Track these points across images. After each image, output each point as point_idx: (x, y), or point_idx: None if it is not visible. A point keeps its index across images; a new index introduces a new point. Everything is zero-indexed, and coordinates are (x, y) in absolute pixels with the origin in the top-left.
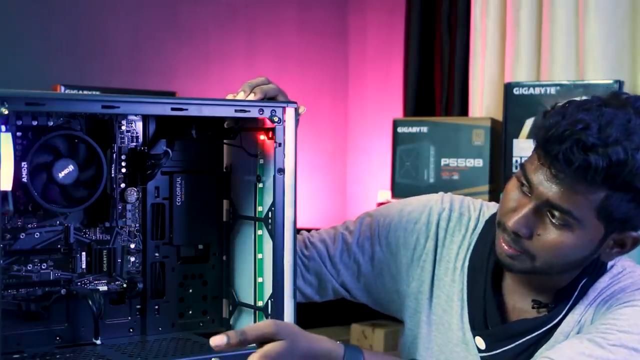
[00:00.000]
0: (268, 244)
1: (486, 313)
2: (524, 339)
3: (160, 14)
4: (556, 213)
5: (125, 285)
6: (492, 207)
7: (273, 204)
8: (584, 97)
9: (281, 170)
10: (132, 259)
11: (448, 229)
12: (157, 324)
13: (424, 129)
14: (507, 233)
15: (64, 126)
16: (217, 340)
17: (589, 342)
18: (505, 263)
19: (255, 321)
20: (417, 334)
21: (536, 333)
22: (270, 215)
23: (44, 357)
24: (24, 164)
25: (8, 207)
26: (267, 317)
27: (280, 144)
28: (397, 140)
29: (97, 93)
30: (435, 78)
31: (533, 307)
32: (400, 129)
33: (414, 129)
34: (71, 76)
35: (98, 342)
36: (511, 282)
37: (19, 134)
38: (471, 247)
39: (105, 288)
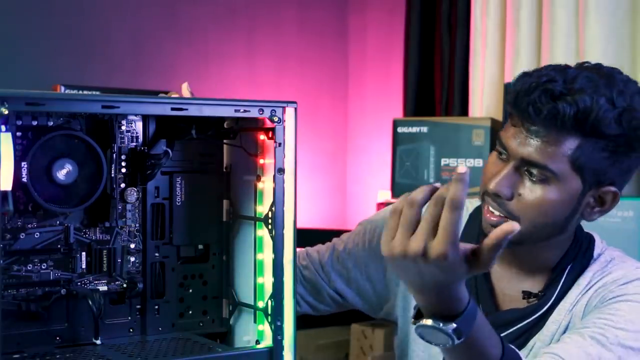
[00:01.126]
0: (268, 244)
1: (479, 302)
2: (514, 328)
3: (160, 14)
4: (533, 170)
5: (125, 285)
6: (475, 202)
7: (273, 204)
8: None
9: (281, 170)
10: (132, 259)
11: None
12: (157, 324)
13: (424, 129)
14: (491, 197)
15: (64, 126)
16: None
17: (590, 338)
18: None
19: (255, 321)
20: (408, 331)
21: (526, 321)
22: (270, 215)
23: (44, 357)
24: (24, 164)
25: (8, 207)
26: (267, 318)
27: (280, 144)
28: (397, 140)
29: (97, 93)
30: (435, 78)
31: (523, 298)
32: (400, 129)
33: (414, 129)
34: (71, 76)
35: (98, 342)
36: (499, 269)
37: (19, 134)
38: None
39: (105, 288)
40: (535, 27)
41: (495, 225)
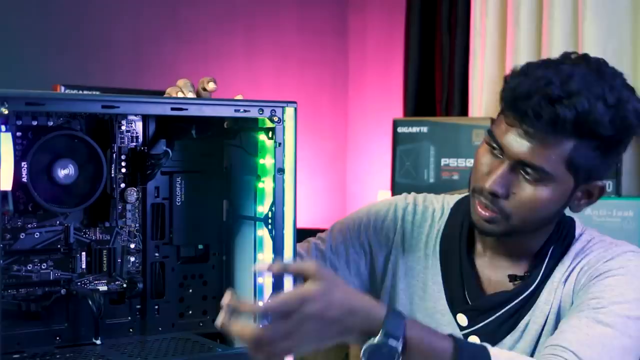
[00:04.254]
0: (268, 244)
1: (465, 290)
2: (503, 310)
3: (160, 14)
4: (529, 170)
5: (125, 285)
6: (454, 197)
7: (273, 204)
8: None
9: (281, 170)
10: (132, 259)
11: (414, 221)
12: (157, 324)
13: (424, 129)
14: (484, 196)
15: (64, 126)
16: (261, 266)
17: (587, 319)
18: (482, 228)
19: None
20: None
21: (514, 302)
22: (270, 215)
23: (44, 357)
24: (24, 164)
25: (8, 207)
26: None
27: (280, 144)
28: (397, 140)
29: (97, 93)
30: (435, 78)
31: (510, 282)
32: (400, 129)
33: (414, 129)
34: (71, 76)
35: (98, 342)
36: (485, 257)
37: (19, 134)
38: (440, 233)
39: (105, 288)
40: (535, 27)
41: (488, 221)
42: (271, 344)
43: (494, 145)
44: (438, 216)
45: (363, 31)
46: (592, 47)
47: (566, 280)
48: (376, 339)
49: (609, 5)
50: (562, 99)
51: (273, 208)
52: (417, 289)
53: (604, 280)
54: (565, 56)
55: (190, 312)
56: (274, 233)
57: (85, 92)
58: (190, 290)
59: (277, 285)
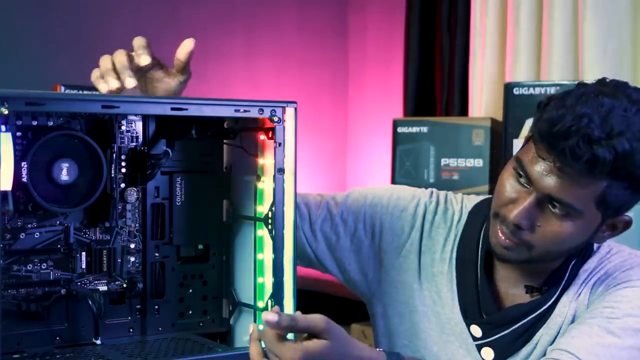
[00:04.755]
0: (268, 244)
1: (480, 302)
2: (520, 323)
3: (160, 13)
4: (557, 205)
5: (125, 285)
6: (472, 199)
7: (273, 204)
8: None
9: (281, 170)
10: (132, 259)
11: (434, 221)
12: (157, 324)
13: (424, 129)
14: (507, 225)
15: (64, 126)
16: (270, 317)
17: (598, 328)
18: (500, 254)
19: (255, 321)
20: (407, 325)
21: (531, 316)
22: (270, 215)
23: (44, 357)
24: (24, 164)
25: (8, 207)
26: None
27: (280, 144)
28: (397, 140)
29: (97, 93)
30: (435, 78)
31: (526, 293)
32: (400, 129)
33: (414, 129)
34: (71, 76)
35: (98, 342)
36: (502, 270)
37: (19, 134)
38: (457, 239)
39: (105, 288)
40: (535, 27)
41: (507, 248)
42: None
43: (522, 173)
44: (456, 219)
45: (363, 31)
46: (592, 47)
47: (582, 292)
48: None
49: (609, 5)
50: (602, 140)
51: (273, 208)
52: (432, 292)
53: (621, 291)
54: (604, 83)
55: (190, 312)
56: (274, 233)
57: (85, 92)
58: (190, 290)
59: (277, 285)
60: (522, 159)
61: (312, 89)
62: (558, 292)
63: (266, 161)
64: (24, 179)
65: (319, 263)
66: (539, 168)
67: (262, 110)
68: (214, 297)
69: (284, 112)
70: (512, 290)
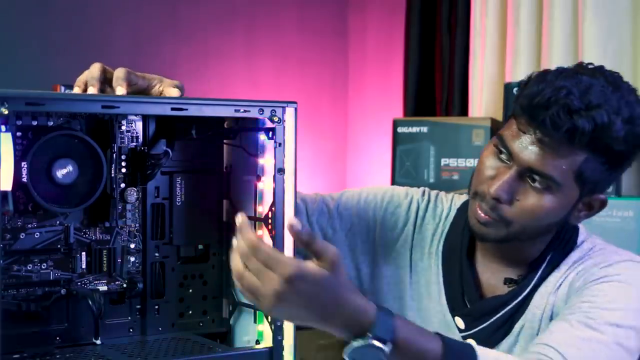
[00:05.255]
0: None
1: (464, 292)
2: (497, 315)
3: (160, 14)
4: (537, 178)
5: (125, 285)
6: (462, 198)
7: (273, 204)
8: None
9: (281, 170)
10: (132, 258)
11: (424, 217)
12: (157, 324)
13: (424, 129)
14: (486, 201)
15: (64, 126)
16: (295, 222)
17: (578, 323)
18: (478, 232)
19: (255, 321)
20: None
21: (509, 307)
22: (270, 215)
23: (44, 357)
24: (24, 164)
25: (8, 207)
26: (267, 318)
27: (280, 144)
28: (397, 140)
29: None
30: (435, 78)
31: (505, 284)
32: (400, 129)
33: (414, 129)
34: (71, 76)
35: (98, 342)
36: (483, 259)
37: (19, 134)
38: (444, 234)
39: (105, 288)
40: (535, 27)
41: (484, 224)
42: (250, 288)
43: (503, 149)
44: (445, 216)
45: (363, 31)
46: (592, 47)
47: (560, 285)
48: (363, 342)
49: (609, 5)
50: (581, 111)
51: (273, 208)
52: (420, 286)
53: (598, 285)
54: (582, 66)
55: (190, 312)
56: (274, 233)
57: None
58: (190, 290)
59: None
60: (503, 134)
61: (312, 89)
62: (534, 282)
63: (266, 161)
64: (24, 179)
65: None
66: (520, 142)
67: (262, 110)
68: (214, 297)
69: (284, 112)
70: (493, 281)
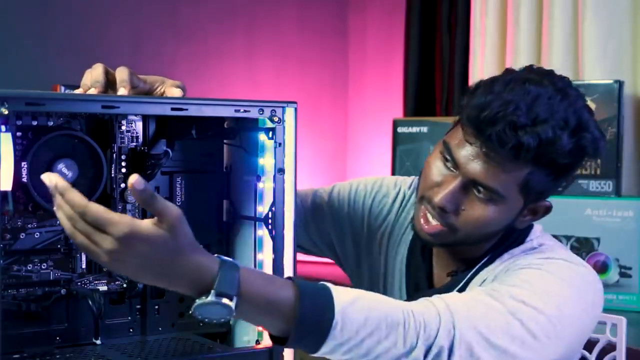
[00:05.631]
0: (268, 244)
1: (418, 281)
2: None
3: (160, 14)
4: (482, 189)
5: (125, 285)
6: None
7: (273, 204)
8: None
9: (281, 170)
10: None
11: (407, 206)
12: (157, 324)
13: (424, 129)
14: (432, 207)
15: (64, 126)
16: (139, 180)
17: (480, 291)
18: (424, 239)
19: None
20: None
21: None
22: (270, 215)
23: (44, 357)
24: (24, 164)
25: (8, 207)
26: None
27: (280, 144)
28: (397, 140)
29: None
30: (435, 78)
31: (448, 276)
32: (400, 129)
33: (414, 129)
34: (71, 76)
35: (98, 342)
36: (437, 251)
37: (19, 134)
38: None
39: (105, 288)
40: (535, 27)
41: (433, 234)
42: (83, 247)
43: (448, 157)
44: None
45: (363, 31)
46: (592, 47)
47: (488, 277)
48: (207, 298)
49: (609, 5)
50: (527, 127)
51: (273, 208)
52: (389, 274)
53: (516, 271)
54: (531, 71)
55: (190, 312)
56: (274, 233)
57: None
58: None
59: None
60: (449, 142)
61: (312, 89)
62: (469, 275)
63: (266, 161)
64: (24, 179)
65: (312, 244)
66: (466, 152)
67: (262, 111)
68: None
69: (284, 112)
70: (442, 273)
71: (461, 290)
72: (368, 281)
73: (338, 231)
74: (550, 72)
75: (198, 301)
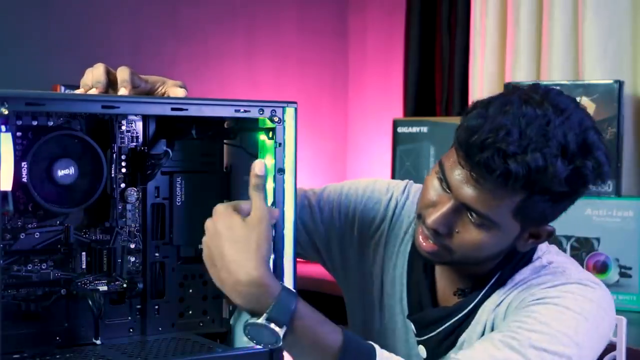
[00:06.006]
0: None
1: (421, 296)
2: (443, 326)
3: (160, 14)
4: (474, 214)
5: (125, 285)
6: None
7: (273, 204)
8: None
9: (281, 171)
10: (132, 259)
11: (401, 214)
12: (157, 324)
13: (424, 129)
14: (426, 227)
15: (64, 126)
16: (259, 166)
17: (500, 342)
18: (423, 255)
19: None
20: (370, 317)
21: (453, 320)
22: None
23: (44, 357)
24: (24, 164)
25: (8, 207)
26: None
27: (280, 144)
28: (397, 140)
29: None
30: (435, 78)
31: (454, 294)
32: (400, 129)
33: (414, 129)
34: (71, 76)
35: (98, 342)
36: (440, 268)
37: (19, 134)
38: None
39: (105, 288)
40: (535, 27)
41: (431, 253)
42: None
43: (442, 178)
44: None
45: (363, 31)
46: (592, 47)
47: (501, 302)
48: (258, 320)
49: (609, 5)
50: (517, 155)
51: (273, 208)
52: (387, 284)
53: (534, 307)
54: (535, 90)
55: (190, 312)
56: (274, 233)
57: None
58: (190, 290)
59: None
60: (444, 164)
61: (312, 89)
62: (480, 297)
63: (266, 161)
64: (24, 179)
65: (298, 246)
66: (458, 176)
67: (262, 111)
68: (214, 297)
69: (284, 112)
70: (447, 290)
71: (472, 312)
72: (359, 289)
73: (323, 235)
74: (556, 92)
75: (250, 320)
